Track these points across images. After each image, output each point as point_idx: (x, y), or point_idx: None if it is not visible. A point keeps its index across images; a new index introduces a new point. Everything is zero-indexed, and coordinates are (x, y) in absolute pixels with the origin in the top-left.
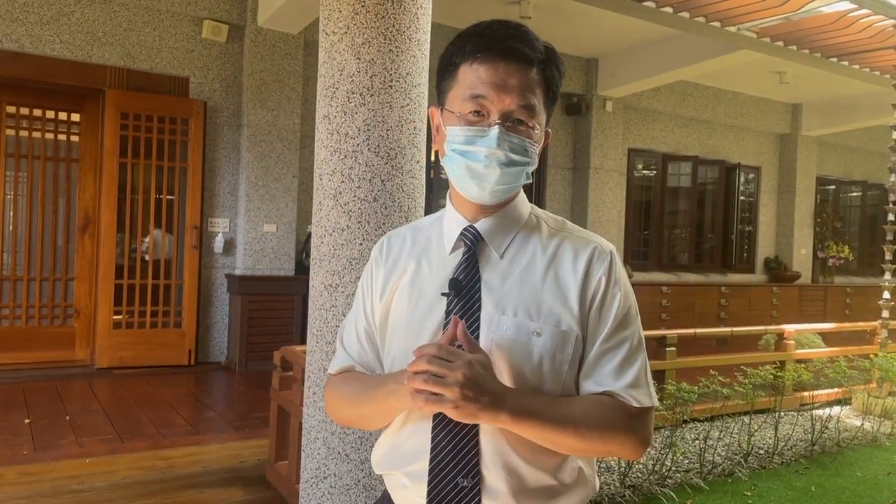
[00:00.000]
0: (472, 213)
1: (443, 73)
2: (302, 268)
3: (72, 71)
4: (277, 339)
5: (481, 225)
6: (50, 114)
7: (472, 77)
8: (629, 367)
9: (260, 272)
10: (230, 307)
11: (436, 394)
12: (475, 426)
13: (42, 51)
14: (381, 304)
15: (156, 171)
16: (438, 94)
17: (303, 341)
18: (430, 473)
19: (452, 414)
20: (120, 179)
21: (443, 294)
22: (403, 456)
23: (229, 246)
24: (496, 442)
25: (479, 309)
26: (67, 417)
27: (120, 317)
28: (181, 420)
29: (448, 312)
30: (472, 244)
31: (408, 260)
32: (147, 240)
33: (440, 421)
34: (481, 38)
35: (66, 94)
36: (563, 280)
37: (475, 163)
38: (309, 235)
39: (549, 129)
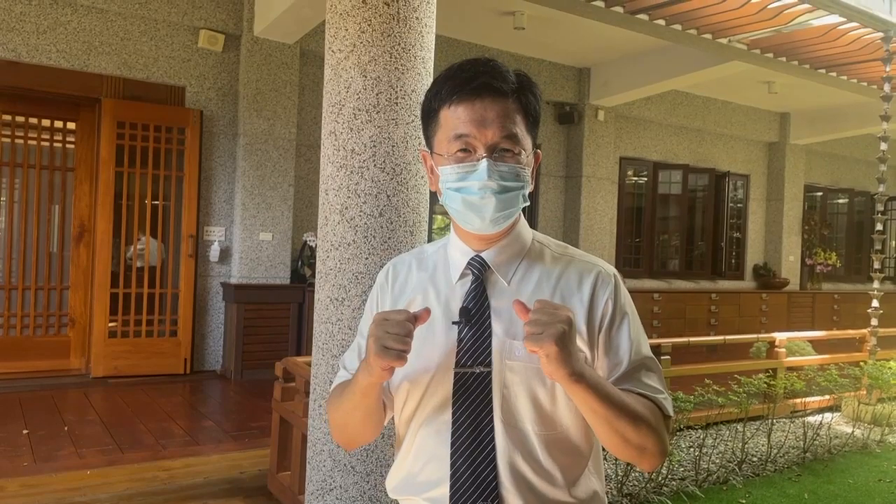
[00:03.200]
0: (477, 243)
1: (425, 119)
2: (297, 276)
3: (68, 80)
4: (273, 348)
5: (487, 254)
6: (46, 122)
7: (452, 119)
8: (654, 379)
9: (255, 280)
10: (225, 316)
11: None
12: (492, 450)
13: (39, 60)
14: None
15: (151, 180)
16: (426, 139)
17: (299, 350)
18: (451, 499)
19: (552, 352)
20: (115, 188)
21: (454, 323)
22: (422, 483)
23: (225, 254)
24: (513, 463)
25: (489, 335)
26: (66, 428)
27: (115, 325)
28: (179, 430)
29: (460, 340)
30: (480, 272)
31: (415, 287)
32: (140, 246)
33: (459, 447)
34: (455, 81)
35: (62, 103)
36: (569, 304)
37: (471, 196)
38: (304, 244)
39: (539, 151)
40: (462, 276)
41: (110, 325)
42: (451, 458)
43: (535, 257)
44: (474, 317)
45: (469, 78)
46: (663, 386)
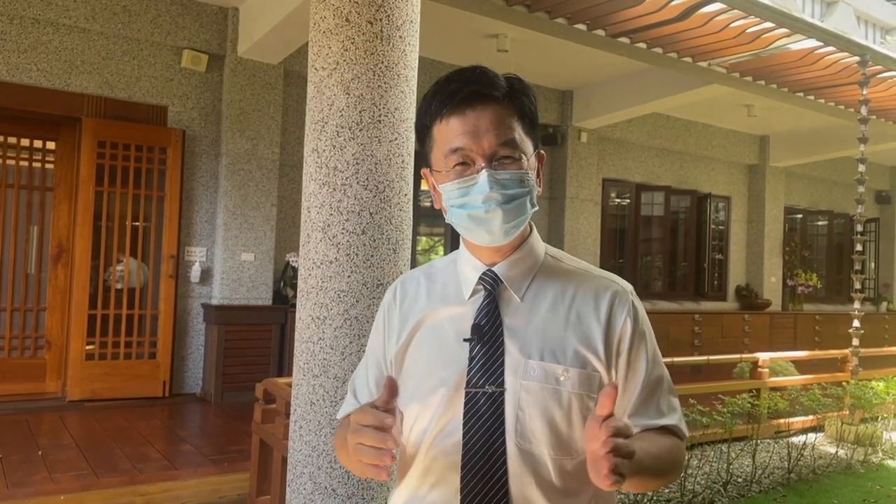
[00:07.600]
0: (488, 257)
1: (420, 136)
2: (280, 297)
3: (49, 99)
4: (254, 370)
5: (500, 268)
6: (25, 141)
7: (446, 132)
8: (671, 401)
9: (237, 301)
10: (206, 337)
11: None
12: (504, 474)
13: (19, 79)
14: (397, 350)
15: (132, 200)
16: (423, 157)
17: (280, 372)
18: None
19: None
20: (95, 208)
21: (465, 340)
22: None
23: (206, 275)
24: (524, 489)
25: (502, 354)
26: (40, 452)
27: (93, 347)
28: (157, 454)
29: (472, 358)
30: (492, 288)
31: (425, 305)
32: (120, 268)
33: (469, 470)
34: (442, 94)
35: (41, 122)
36: (585, 322)
37: (475, 210)
38: (287, 264)
39: (542, 152)
40: (474, 292)
41: (88, 347)
42: (461, 483)
43: (549, 272)
44: (486, 334)
45: (457, 89)
46: (677, 404)
